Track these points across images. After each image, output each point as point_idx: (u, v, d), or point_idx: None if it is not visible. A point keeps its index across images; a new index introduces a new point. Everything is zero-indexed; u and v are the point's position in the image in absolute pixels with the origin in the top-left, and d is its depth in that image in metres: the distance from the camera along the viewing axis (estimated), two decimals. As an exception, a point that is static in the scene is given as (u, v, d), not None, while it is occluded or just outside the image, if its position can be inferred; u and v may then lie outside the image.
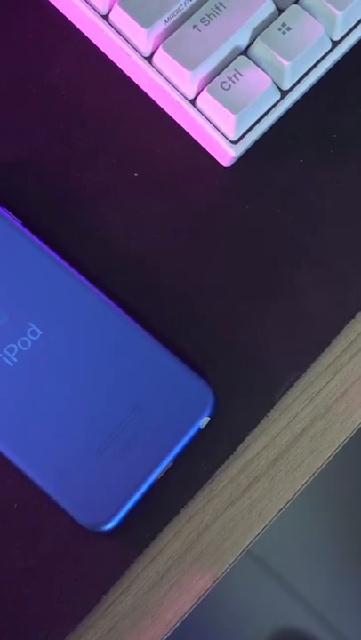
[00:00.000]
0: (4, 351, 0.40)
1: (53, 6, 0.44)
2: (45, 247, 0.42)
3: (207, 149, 0.43)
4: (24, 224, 0.42)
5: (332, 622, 1.07)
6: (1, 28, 0.44)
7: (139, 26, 0.40)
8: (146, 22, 0.40)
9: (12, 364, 0.40)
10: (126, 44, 0.41)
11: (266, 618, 1.07)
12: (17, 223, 0.42)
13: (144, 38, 0.40)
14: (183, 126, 0.43)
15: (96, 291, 0.41)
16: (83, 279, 0.41)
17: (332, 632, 1.06)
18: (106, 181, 0.43)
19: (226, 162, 0.42)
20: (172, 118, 0.43)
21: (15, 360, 0.40)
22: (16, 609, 0.39)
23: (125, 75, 0.43)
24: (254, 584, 1.05)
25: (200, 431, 0.40)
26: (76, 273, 0.41)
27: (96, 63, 0.44)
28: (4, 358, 0.40)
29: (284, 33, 0.40)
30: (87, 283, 0.41)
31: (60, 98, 0.44)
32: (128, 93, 0.44)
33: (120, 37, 0.41)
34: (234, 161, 0.42)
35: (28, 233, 0.42)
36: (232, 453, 0.41)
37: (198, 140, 0.43)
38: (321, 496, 1.07)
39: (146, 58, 0.41)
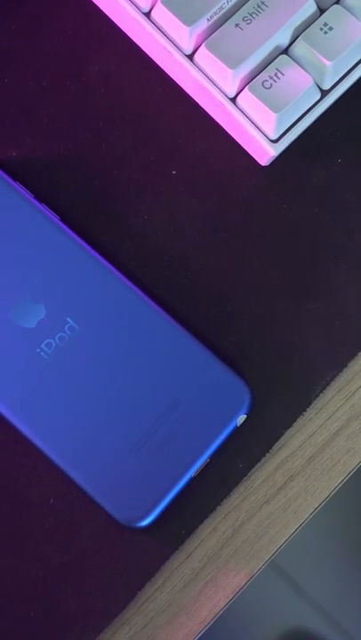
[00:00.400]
0: (42, 346, 0.40)
1: (93, 3, 0.44)
2: (84, 243, 0.42)
3: (245, 148, 0.43)
4: (63, 220, 0.42)
5: (341, 623, 1.07)
6: (40, 26, 0.44)
7: (181, 24, 0.40)
8: (188, 20, 0.40)
9: (49, 360, 0.40)
10: (168, 41, 0.41)
11: (275, 618, 1.07)
12: (56, 219, 0.42)
13: (186, 36, 0.40)
14: (222, 125, 0.43)
15: (134, 287, 0.41)
16: (120, 276, 0.41)
17: (341, 633, 1.06)
18: (144, 179, 0.43)
19: (264, 161, 0.42)
20: (210, 117, 0.43)
21: (53, 355, 0.40)
22: (52, 604, 0.39)
23: (165, 73, 0.44)
24: (264, 585, 1.05)
25: (236, 429, 0.40)
26: (113, 269, 0.42)
27: (135, 61, 0.44)
28: (42, 353, 0.40)
29: (325, 33, 0.40)
30: (125, 279, 0.41)
31: (99, 95, 0.44)
32: (167, 91, 0.44)
33: (162, 35, 0.41)
34: (272, 160, 0.42)
35: (67, 229, 0.42)
36: (268, 451, 0.41)
37: (237, 139, 0.43)
38: (331, 497, 1.07)
39: (187, 56, 0.41)
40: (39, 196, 0.42)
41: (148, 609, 0.40)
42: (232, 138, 0.43)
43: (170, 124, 0.44)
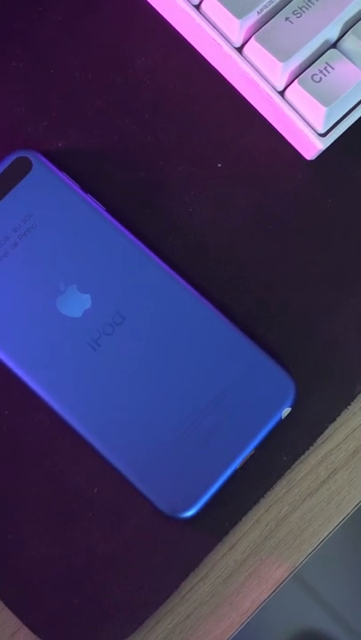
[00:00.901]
0: (88, 336, 0.40)
1: (140, -4, 0.44)
2: (130, 235, 0.42)
3: (291, 142, 0.43)
4: (108, 211, 0.42)
5: (352, 625, 1.06)
6: (86, 18, 0.44)
7: (232, 16, 0.40)
8: (239, 13, 0.40)
9: (95, 349, 0.40)
10: (217, 33, 0.41)
11: (286, 620, 1.07)
12: (101, 210, 0.42)
13: (236, 29, 0.40)
14: (268, 118, 0.43)
15: (179, 279, 0.41)
16: (166, 267, 0.41)
17: (352, 635, 1.06)
18: (189, 171, 0.43)
19: (310, 155, 0.42)
20: (256, 110, 0.43)
21: (99, 345, 0.40)
22: (96, 592, 0.39)
23: (211, 65, 0.44)
24: (277, 585, 1.05)
25: (281, 421, 0.40)
26: (159, 261, 0.42)
27: (181, 53, 0.44)
28: (88, 343, 0.40)
29: (375, 27, 0.40)
30: (170, 271, 0.41)
31: (145, 87, 0.44)
32: (213, 84, 0.44)
33: (211, 27, 0.41)
34: (318, 154, 0.42)
35: (113, 220, 0.42)
36: (312, 444, 0.41)
37: (282, 133, 0.43)
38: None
39: (236, 49, 0.41)
40: (85, 187, 0.42)
41: (191, 600, 0.40)
42: (278, 131, 0.43)
43: (215, 116, 0.44)
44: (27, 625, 0.39)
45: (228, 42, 0.41)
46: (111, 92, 0.44)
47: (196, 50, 0.44)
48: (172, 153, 0.43)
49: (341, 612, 1.07)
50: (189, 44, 0.44)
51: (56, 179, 0.42)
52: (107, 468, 0.40)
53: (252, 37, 0.40)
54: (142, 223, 0.42)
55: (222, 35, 0.41)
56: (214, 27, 0.41)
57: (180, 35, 0.44)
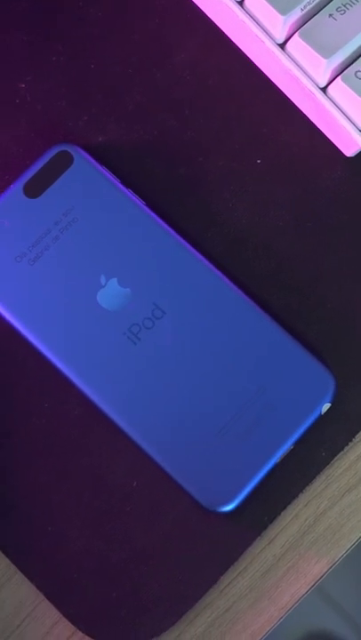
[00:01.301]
0: (128, 330, 0.41)
1: (180, -8, 0.44)
2: (169, 229, 0.42)
3: (331, 138, 0.43)
4: (148, 206, 0.42)
5: (363, 626, 1.06)
6: (127, 14, 0.45)
7: (276, 12, 0.40)
8: (283, 9, 0.40)
9: (135, 343, 0.41)
10: (260, 29, 0.41)
11: (297, 621, 1.07)
12: (142, 205, 0.42)
13: (280, 25, 0.40)
14: (308, 114, 0.43)
15: (219, 274, 0.41)
16: (206, 262, 0.42)
17: (361, 636, 1.06)
18: (229, 167, 0.43)
19: (351, 151, 0.42)
20: (296, 106, 0.43)
21: (139, 339, 0.41)
22: (134, 586, 0.39)
23: (251, 62, 0.44)
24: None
25: (320, 417, 0.40)
26: (199, 255, 0.42)
27: (222, 49, 0.44)
28: (128, 337, 0.41)
29: None
30: (210, 265, 0.42)
31: (185, 83, 0.44)
32: (253, 80, 0.44)
33: (254, 23, 0.41)
34: (359, 151, 0.42)
35: (153, 214, 0.42)
36: (351, 440, 0.41)
37: (323, 129, 0.43)
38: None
39: (279, 45, 0.41)
40: (124, 182, 0.43)
41: (229, 594, 0.40)
42: (317, 128, 0.43)
43: (255, 112, 0.44)
44: (66, 616, 0.39)
45: (271, 38, 0.41)
46: (151, 88, 0.44)
47: (236, 46, 0.44)
48: (212, 149, 0.43)
49: (351, 612, 1.07)
50: (230, 40, 0.44)
51: (97, 173, 0.42)
52: (146, 461, 0.40)
53: (296, 34, 0.40)
54: (182, 218, 0.43)
55: (265, 31, 0.41)
56: (257, 23, 0.41)
57: (221, 30, 0.44)
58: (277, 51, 0.41)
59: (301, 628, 1.07)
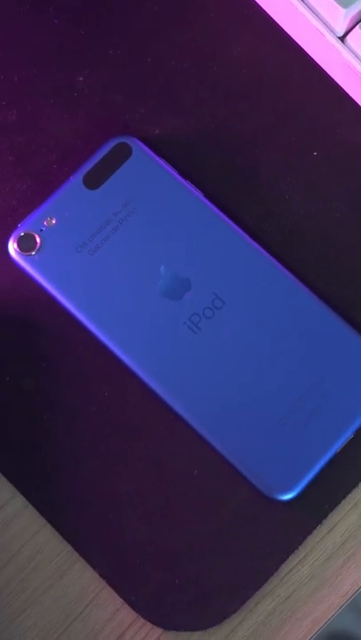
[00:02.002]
0: (189, 319, 0.41)
1: (236, -14, 0.45)
2: (228, 220, 0.42)
3: (387, 131, 0.43)
4: (206, 197, 0.43)
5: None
6: (183, 7, 0.45)
7: (337, 5, 0.40)
8: (344, 2, 0.40)
9: (196, 333, 0.41)
10: (320, 22, 0.41)
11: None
12: (200, 196, 0.42)
13: (341, 17, 0.41)
14: (364, 107, 0.43)
15: (277, 264, 0.42)
16: (264, 252, 0.42)
17: (383, 638, 1.06)
18: (285, 159, 0.44)
19: None
20: (353, 100, 0.44)
21: (199, 328, 0.41)
22: (196, 573, 0.40)
23: (307, 55, 0.44)
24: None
25: (380, 406, 0.40)
26: (257, 246, 0.42)
27: (277, 42, 0.45)
28: (189, 326, 0.41)
29: None
30: (268, 256, 0.42)
31: (241, 76, 0.45)
32: (309, 73, 0.44)
33: (314, 16, 0.41)
34: None
35: (211, 206, 0.42)
36: None
37: (379, 122, 0.43)
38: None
39: (339, 38, 0.42)
40: (182, 173, 0.43)
41: (290, 581, 0.40)
42: (373, 121, 0.44)
43: (311, 105, 0.44)
44: (128, 603, 0.40)
45: (331, 31, 0.42)
46: (208, 81, 0.45)
47: (292, 39, 0.44)
48: (268, 141, 0.44)
49: (372, 614, 1.06)
50: (286, 34, 0.44)
51: (155, 164, 0.43)
52: (207, 450, 0.40)
53: (357, 26, 0.41)
54: (239, 209, 0.43)
55: (325, 24, 0.42)
56: (317, 16, 0.42)
57: (277, 24, 0.44)
58: (337, 43, 0.41)
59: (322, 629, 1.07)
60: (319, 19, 0.42)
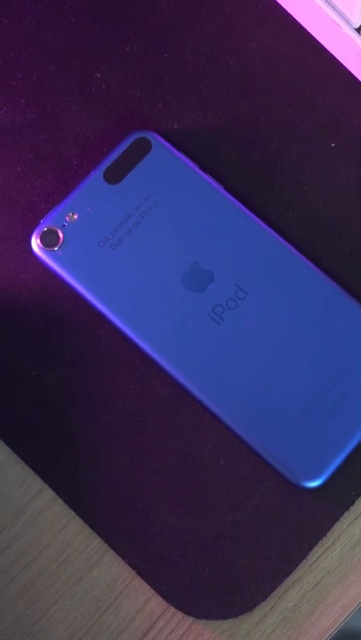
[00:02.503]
0: (212, 311, 0.41)
1: (250, -19, 0.45)
2: (248, 212, 0.43)
3: None
4: (227, 189, 0.43)
5: None
6: (198, 2, 0.45)
7: (353, -3, 0.41)
8: (360, -6, 0.41)
9: (220, 324, 0.41)
10: (337, 14, 0.42)
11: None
12: (221, 189, 0.43)
13: (357, 9, 0.41)
14: (381, 98, 0.44)
15: (298, 254, 0.42)
16: (285, 243, 0.42)
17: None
18: (303, 151, 0.44)
19: None
20: (369, 90, 0.44)
21: (223, 320, 0.41)
22: (226, 562, 0.40)
23: (323, 47, 0.45)
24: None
25: None
26: (278, 237, 0.42)
27: (293, 36, 0.45)
28: (213, 318, 0.41)
29: None
30: (290, 246, 0.42)
31: (258, 70, 0.45)
32: (325, 65, 0.45)
33: (331, 8, 0.42)
34: None
35: (232, 198, 0.43)
36: None
37: (395, 112, 0.44)
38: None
39: (356, 29, 0.42)
40: (201, 166, 0.43)
41: (318, 568, 0.40)
42: (390, 111, 0.44)
43: (328, 98, 0.45)
44: (159, 593, 0.40)
45: (348, 22, 0.42)
46: (224, 75, 0.45)
47: (307, 32, 0.45)
48: (286, 133, 0.44)
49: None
50: (302, 26, 0.45)
51: (175, 158, 0.43)
52: (233, 439, 0.40)
53: (373, 17, 0.41)
54: (258, 201, 0.43)
55: (341, 15, 0.42)
56: (333, 7, 0.42)
57: (292, 17, 0.45)
58: (354, 35, 0.42)
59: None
60: (335, 10, 0.42)
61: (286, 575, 0.40)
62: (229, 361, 0.41)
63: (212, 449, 0.41)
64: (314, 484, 0.40)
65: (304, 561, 0.40)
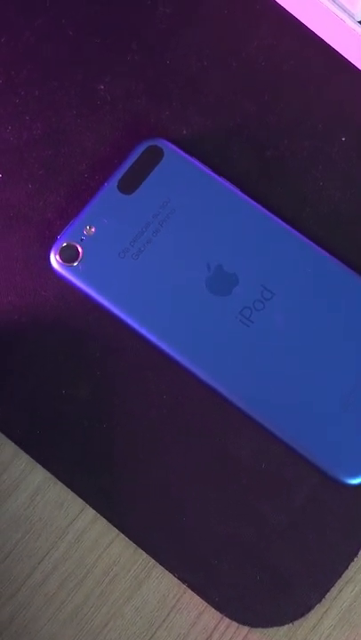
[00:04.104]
0: (240, 314, 0.41)
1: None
2: (267, 212, 0.42)
3: None
4: (242, 191, 0.43)
5: None
6: (196, 7, 0.45)
7: (355, -11, 0.41)
8: (362, -15, 0.41)
9: (249, 327, 0.41)
10: (338, 8, 0.42)
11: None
12: (237, 191, 0.42)
13: (359, 1, 0.41)
14: (387, 89, 0.44)
15: (320, 250, 0.42)
16: (306, 240, 0.42)
17: None
18: (315, 147, 0.44)
19: None
20: (374, 82, 0.44)
21: (252, 322, 0.41)
22: (275, 566, 0.39)
23: (324, 42, 0.45)
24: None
25: None
26: (299, 235, 0.42)
27: (293, 33, 0.45)
28: (241, 320, 0.41)
29: None
30: (310, 243, 0.42)
31: (262, 70, 0.45)
32: (328, 61, 0.45)
33: (332, 2, 0.42)
34: None
35: (249, 199, 0.42)
36: None
37: None
38: None
39: (359, 22, 0.42)
40: (214, 170, 0.43)
41: (370, 565, 0.40)
42: None
43: (334, 92, 0.44)
44: (212, 605, 0.39)
45: (351, 16, 0.42)
46: (229, 77, 0.45)
47: (308, 28, 0.45)
48: (296, 130, 0.44)
49: None
50: (301, 23, 0.45)
51: (188, 164, 0.43)
52: (271, 441, 0.40)
53: (376, 8, 0.41)
54: (275, 201, 0.43)
55: (343, 8, 0.42)
56: (335, 1, 0.42)
57: (291, 15, 0.45)
58: (358, 28, 0.42)
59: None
60: (336, 3, 0.42)
61: (338, 575, 0.39)
62: (262, 362, 0.40)
63: (251, 452, 0.40)
64: (358, 480, 0.39)
65: (356, 559, 0.40)
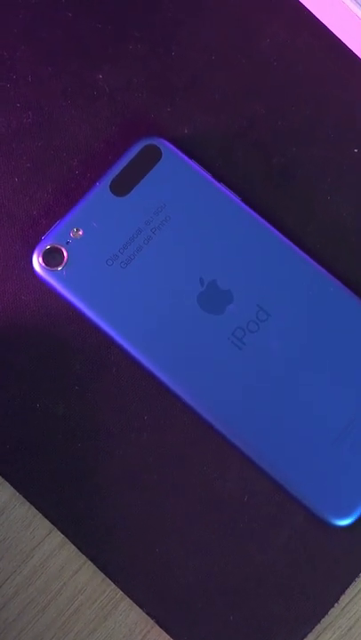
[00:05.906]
0: (233, 334, 0.38)
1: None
2: (268, 225, 0.39)
3: None
4: (243, 200, 0.40)
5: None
6: (209, 2, 0.42)
7: (379, -11, 0.37)
8: (388, -15, 0.37)
9: (241, 349, 0.38)
10: (357, 5, 0.38)
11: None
12: (237, 200, 0.39)
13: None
14: None
15: (323, 270, 0.39)
16: (308, 258, 0.39)
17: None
18: (324, 157, 0.41)
19: None
20: (394, 90, 0.41)
21: (244, 344, 0.38)
22: (253, 607, 0.37)
23: (342, 43, 0.41)
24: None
25: None
26: (301, 252, 0.39)
27: (308, 31, 0.42)
28: (233, 341, 0.38)
29: None
30: (313, 262, 0.39)
31: (273, 69, 0.42)
32: (344, 62, 0.42)
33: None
34: None
35: (250, 210, 0.40)
36: None
37: None
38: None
39: (382, 24, 0.39)
40: (215, 175, 0.40)
41: (351, 611, 0.38)
42: None
43: (349, 97, 0.41)
44: (181, 644, 0.37)
45: (370, 14, 0.39)
46: (237, 75, 0.41)
47: (324, 26, 0.41)
48: (305, 137, 0.41)
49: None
50: (318, 21, 0.41)
51: (188, 167, 0.40)
52: (257, 474, 0.38)
53: None
54: (278, 213, 0.40)
55: (359, 4, 0.39)
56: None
57: (307, 10, 0.41)
58: (381, 30, 0.38)
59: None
60: (356, 2, 0.39)
61: (318, 620, 0.37)
62: (252, 389, 0.38)
63: (235, 484, 0.38)
64: (345, 522, 0.37)
65: (336, 605, 0.37)
